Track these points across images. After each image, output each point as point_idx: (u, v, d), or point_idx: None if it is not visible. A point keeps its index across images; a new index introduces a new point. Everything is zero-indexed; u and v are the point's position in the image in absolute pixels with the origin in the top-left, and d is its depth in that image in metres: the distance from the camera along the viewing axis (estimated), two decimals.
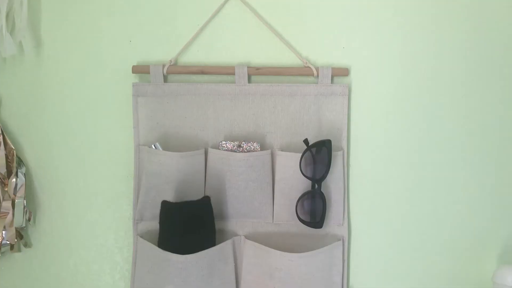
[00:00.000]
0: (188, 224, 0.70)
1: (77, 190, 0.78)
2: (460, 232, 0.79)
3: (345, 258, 0.77)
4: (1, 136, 0.75)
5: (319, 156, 0.73)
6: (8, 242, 0.74)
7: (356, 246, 0.78)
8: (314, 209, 0.75)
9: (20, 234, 0.76)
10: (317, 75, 0.76)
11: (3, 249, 0.75)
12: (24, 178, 0.76)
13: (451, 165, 0.79)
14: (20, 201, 0.75)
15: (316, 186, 0.74)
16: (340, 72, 0.77)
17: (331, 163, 0.73)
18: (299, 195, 0.75)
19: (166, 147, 0.75)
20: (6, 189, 0.75)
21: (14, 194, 0.75)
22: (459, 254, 0.78)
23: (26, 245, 0.77)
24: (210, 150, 0.76)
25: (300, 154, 0.74)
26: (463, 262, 0.78)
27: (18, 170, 0.75)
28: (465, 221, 0.79)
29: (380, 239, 0.78)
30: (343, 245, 0.76)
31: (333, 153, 0.73)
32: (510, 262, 0.77)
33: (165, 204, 0.70)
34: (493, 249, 0.78)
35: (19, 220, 0.74)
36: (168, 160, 0.74)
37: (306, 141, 0.73)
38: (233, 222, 0.77)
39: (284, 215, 0.77)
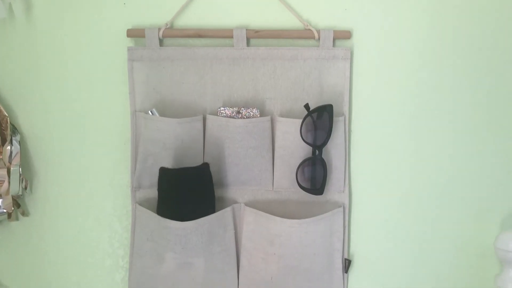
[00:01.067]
0: (187, 191, 0.69)
1: (73, 158, 0.76)
2: (462, 198, 0.78)
3: (346, 225, 0.76)
4: None
5: (320, 121, 0.72)
6: (5, 211, 0.74)
7: (357, 213, 0.77)
8: (314, 175, 0.73)
9: (17, 202, 0.75)
10: (318, 38, 0.74)
11: (0, 218, 0.74)
12: (19, 146, 0.74)
13: (455, 131, 0.77)
14: (15, 169, 0.73)
15: (317, 152, 0.72)
16: (342, 35, 0.75)
17: (332, 129, 0.71)
18: (299, 162, 0.73)
19: (163, 114, 0.73)
20: (0, 157, 0.73)
21: (9, 162, 0.73)
22: (461, 221, 0.78)
23: (24, 213, 0.76)
24: (208, 116, 0.74)
25: (301, 120, 0.72)
26: (465, 228, 0.78)
27: (13, 138, 0.74)
28: (468, 188, 0.78)
29: (381, 206, 0.78)
30: (344, 211, 0.76)
31: (334, 118, 0.71)
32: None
33: (163, 171, 0.69)
34: (496, 215, 0.78)
35: (15, 188, 0.73)
36: (165, 126, 0.72)
37: (307, 106, 0.71)
38: (232, 190, 0.76)
39: (284, 182, 0.75)
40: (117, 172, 0.77)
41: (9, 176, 0.73)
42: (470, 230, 0.78)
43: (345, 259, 0.76)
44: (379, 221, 0.78)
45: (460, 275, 0.78)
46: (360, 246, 0.78)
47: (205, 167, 0.70)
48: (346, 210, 0.76)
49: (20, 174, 0.74)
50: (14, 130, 0.75)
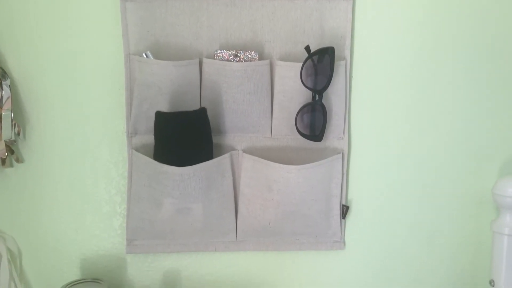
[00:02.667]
0: (184, 135, 0.68)
1: (65, 103, 0.74)
2: (461, 146, 0.77)
3: (345, 171, 0.76)
4: None
5: (321, 65, 0.69)
6: None
7: (356, 160, 0.77)
8: (314, 122, 0.72)
9: (10, 149, 0.74)
10: None
11: None
12: (9, 91, 0.72)
13: (454, 78, 0.76)
14: (7, 114, 0.71)
15: (317, 97, 0.71)
16: None
17: (333, 74, 0.69)
18: (298, 108, 0.72)
19: (158, 57, 0.71)
20: None
21: (0, 107, 0.71)
22: (460, 168, 0.78)
23: (18, 160, 0.75)
24: (205, 60, 0.71)
25: (301, 64, 0.70)
26: (464, 175, 0.78)
27: (3, 82, 0.71)
28: (466, 134, 0.77)
29: (380, 153, 0.77)
30: (343, 158, 0.75)
31: (335, 62, 0.69)
32: (510, 173, 0.76)
33: (159, 114, 0.67)
34: (494, 162, 0.78)
35: (7, 134, 0.71)
36: (160, 70, 0.70)
37: (307, 48, 0.69)
38: (230, 137, 0.75)
39: (283, 129, 0.74)
40: (112, 118, 0.75)
41: (0, 122, 0.71)
42: (468, 177, 0.78)
43: (343, 205, 0.76)
44: (377, 168, 0.77)
45: (457, 221, 0.79)
46: (358, 193, 0.78)
47: (202, 111, 0.69)
48: (345, 157, 0.75)
49: (12, 119, 0.72)
50: (4, 74, 0.72)
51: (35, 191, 0.76)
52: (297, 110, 0.72)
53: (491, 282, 0.74)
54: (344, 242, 0.78)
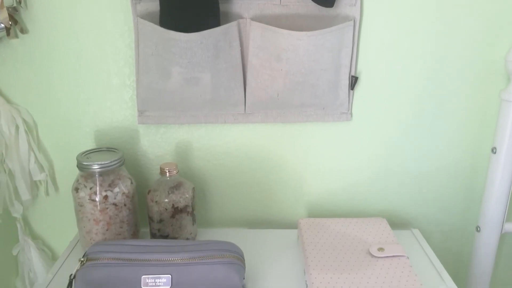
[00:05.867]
0: None
1: None
2: (474, 13, 0.74)
3: (355, 40, 0.74)
4: None
5: None
6: (3, 25, 0.71)
7: (367, 29, 0.74)
8: None
9: (13, 18, 0.72)
10: None
11: (0, 34, 0.72)
12: None
13: None
14: None
15: None
16: None
17: None
18: None
19: None
20: None
21: None
22: (471, 37, 0.75)
23: (22, 31, 0.74)
24: None
25: None
26: (476, 44, 0.76)
27: None
28: (479, 1, 0.73)
29: (392, 23, 0.74)
30: (354, 26, 0.73)
31: None
32: None
33: None
34: (507, 31, 0.75)
35: (8, 0, 0.69)
36: None
37: None
38: (237, 4, 0.72)
39: None
40: None
41: None
42: (480, 45, 0.76)
43: (352, 76, 0.76)
44: (389, 38, 0.75)
45: (466, 91, 0.78)
46: (368, 64, 0.77)
47: None
48: (357, 25, 0.73)
49: None
50: None
51: (43, 62, 0.76)
52: None
53: (493, 150, 0.76)
54: (351, 114, 0.79)
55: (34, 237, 0.88)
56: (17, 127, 0.78)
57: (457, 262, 0.90)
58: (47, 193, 0.85)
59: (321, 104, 0.77)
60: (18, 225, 0.84)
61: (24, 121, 0.79)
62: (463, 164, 0.83)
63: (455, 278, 0.90)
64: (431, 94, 0.78)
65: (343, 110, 0.78)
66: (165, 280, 0.58)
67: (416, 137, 0.81)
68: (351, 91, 0.77)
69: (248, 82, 0.75)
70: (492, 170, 0.77)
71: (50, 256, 0.90)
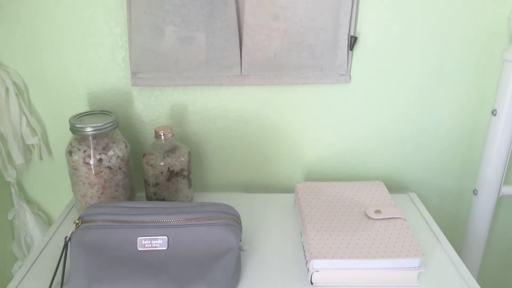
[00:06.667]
0: None
1: None
2: None
3: None
4: None
5: None
6: None
7: None
8: None
9: None
10: None
11: None
12: None
13: None
14: None
15: None
16: None
17: None
18: None
19: None
20: None
21: None
22: None
23: None
24: None
25: None
26: (479, 3, 0.73)
27: None
28: None
29: None
30: None
31: None
32: None
33: None
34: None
35: None
36: None
37: None
38: None
39: None
40: None
41: None
42: (484, 3, 0.73)
43: (351, 36, 0.73)
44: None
45: (468, 52, 0.76)
46: (367, 25, 0.74)
47: None
48: None
49: None
50: None
51: (32, 24, 0.73)
52: None
53: (493, 112, 0.75)
54: (350, 76, 0.77)
55: (29, 202, 0.88)
56: (7, 90, 0.76)
57: (453, 225, 0.91)
58: (40, 157, 0.84)
59: (319, 65, 0.75)
60: (13, 190, 0.84)
61: (15, 84, 0.76)
62: (463, 127, 0.82)
63: (452, 240, 0.90)
64: (432, 55, 0.76)
65: (342, 71, 0.76)
66: (161, 241, 0.57)
67: (415, 100, 0.80)
68: (350, 52, 0.75)
69: (244, 42, 0.73)
70: (491, 132, 0.76)
71: (46, 221, 0.90)
